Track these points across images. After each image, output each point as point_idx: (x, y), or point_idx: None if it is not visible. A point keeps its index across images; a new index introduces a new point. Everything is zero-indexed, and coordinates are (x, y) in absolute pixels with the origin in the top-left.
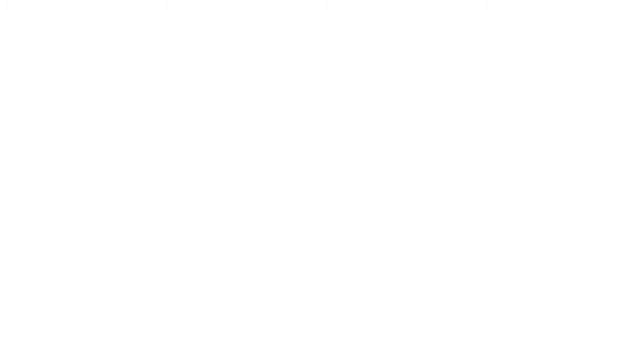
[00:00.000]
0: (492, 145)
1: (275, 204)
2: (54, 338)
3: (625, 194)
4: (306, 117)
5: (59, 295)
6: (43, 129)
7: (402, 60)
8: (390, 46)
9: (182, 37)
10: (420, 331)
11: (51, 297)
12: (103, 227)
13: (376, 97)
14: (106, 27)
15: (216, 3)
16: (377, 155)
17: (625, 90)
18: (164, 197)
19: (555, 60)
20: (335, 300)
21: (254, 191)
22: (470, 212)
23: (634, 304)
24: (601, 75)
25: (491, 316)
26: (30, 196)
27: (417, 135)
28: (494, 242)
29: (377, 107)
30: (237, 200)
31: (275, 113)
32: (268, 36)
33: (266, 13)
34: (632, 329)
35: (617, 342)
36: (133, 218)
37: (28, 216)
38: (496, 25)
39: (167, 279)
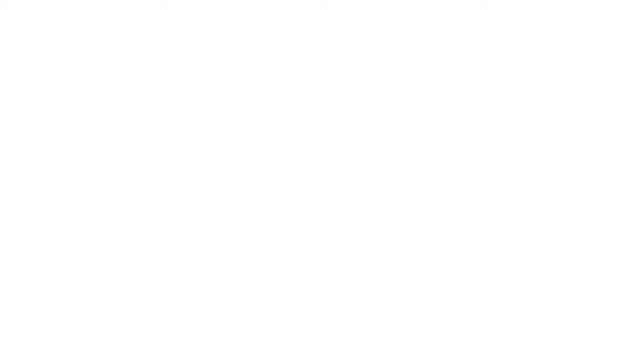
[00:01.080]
0: (491, 145)
1: (276, 204)
2: (54, 338)
3: (626, 194)
4: (306, 117)
5: (59, 295)
6: (43, 128)
7: (402, 60)
8: (390, 46)
9: (181, 37)
10: (420, 331)
11: (51, 297)
12: (103, 227)
13: (375, 97)
14: (106, 27)
15: (216, 3)
16: (377, 155)
17: (625, 90)
18: (164, 197)
19: (555, 60)
20: (335, 300)
21: (254, 191)
22: (471, 212)
23: (634, 304)
24: (601, 75)
25: (491, 316)
26: (31, 196)
27: (417, 135)
28: (494, 241)
29: (376, 107)
30: (237, 199)
31: (275, 113)
32: (268, 36)
33: (266, 13)
34: (632, 329)
35: (617, 342)
36: (133, 217)
37: (28, 216)
38: (495, 26)
39: (167, 278)
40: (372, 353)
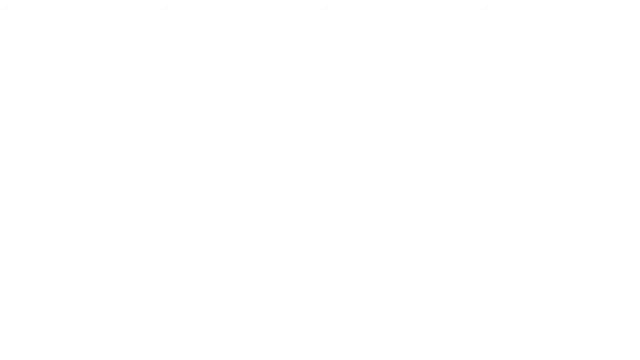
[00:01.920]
0: (492, 145)
1: (275, 204)
2: (54, 338)
3: (626, 194)
4: (306, 117)
5: (59, 295)
6: (43, 129)
7: (403, 62)
8: (391, 47)
9: (182, 37)
10: (420, 331)
11: (51, 297)
12: (103, 227)
13: (376, 97)
14: (106, 27)
15: (217, 4)
16: (377, 155)
17: (626, 90)
18: (164, 197)
19: (556, 61)
20: (335, 300)
21: (254, 191)
22: (470, 212)
23: (634, 304)
24: (601, 76)
25: (491, 316)
26: (30, 196)
27: (417, 135)
28: (494, 242)
29: (377, 107)
30: (237, 200)
31: (277, 114)
32: (268, 36)
33: (266, 13)
34: (632, 329)
35: (617, 342)
36: (133, 218)
37: (28, 216)
38: (496, 27)
39: (167, 279)
40: (372, 353)
